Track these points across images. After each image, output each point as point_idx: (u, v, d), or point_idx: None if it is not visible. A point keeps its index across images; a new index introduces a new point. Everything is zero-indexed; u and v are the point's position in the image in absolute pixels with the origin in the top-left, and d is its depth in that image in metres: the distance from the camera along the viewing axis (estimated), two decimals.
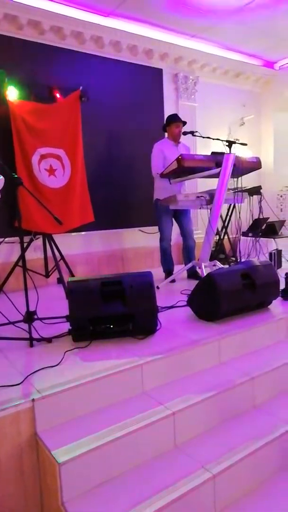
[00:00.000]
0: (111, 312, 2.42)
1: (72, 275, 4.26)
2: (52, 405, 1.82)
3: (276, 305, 3.07)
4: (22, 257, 2.66)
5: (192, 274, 4.19)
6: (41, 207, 3.86)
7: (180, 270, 4.05)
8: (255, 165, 3.77)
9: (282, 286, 3.25)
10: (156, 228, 4.55)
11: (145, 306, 2.43)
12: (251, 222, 5.11)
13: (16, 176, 2.61)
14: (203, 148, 5.23)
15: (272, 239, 4.98)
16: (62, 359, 2.16)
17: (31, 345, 2.42)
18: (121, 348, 2.31)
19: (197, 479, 1.67)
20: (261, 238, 5.13)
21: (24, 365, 2.14)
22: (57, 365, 2.11)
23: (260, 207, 4.75)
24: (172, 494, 1.58)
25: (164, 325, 2.69)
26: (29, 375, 1.98)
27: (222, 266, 3.74)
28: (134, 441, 1.76)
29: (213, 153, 3.72)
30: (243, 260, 4.97)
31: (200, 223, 5.18)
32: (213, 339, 2.40)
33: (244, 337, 2.55)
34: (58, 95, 4.16)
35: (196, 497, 1.63)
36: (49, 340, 2.48)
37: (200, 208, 3.73)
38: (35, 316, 2.63)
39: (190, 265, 3.97)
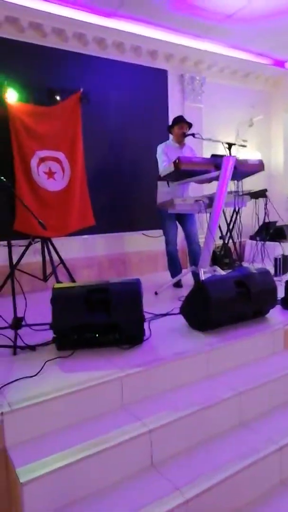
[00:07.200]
0: (96, 320, 2.34)
1: (72, 280, 4.22)
2: (24, 419, 1.76)
3: (275, 314, 2.94)
4: (10, 262, 2.64)
5: (197, 280, 4.08)
6: (40, 210, 3.92)
7: (177, 277, 3.95)
8: (257, 167, 3.63)
9: (282, 294, 3.12)
10: (159, 232, 4.46)
11: (131, 315, 2.35)
12: (257, 226, 4.96)
13: (3, 179, 2.59)
14: (209, 150, 5.10)
15: (279, 243, 4.82)
16: (41, 370, 2.10)
17: (15, 353, 2.37)
18: (104, 359, 2.23)
19: (171, 503, 1.58)
20: (268, 242, 4.98)
21: (2, 374, 2.08)
22: (35, 375, 2.05)
23: (266, 211, 4.59)
24: None
25: (154, 334, 2.60)
26: (3, 386, 1.92)
27: (222, 272, 3.61)
28: (105, 460, 1.68)
29: (213, 155, 3.60)
30: (246, 264, 4.84)
31: (205, 227, 5.09)
32: (201, 351, 2.30)
33: (235, 348, 2.43)
34: (58, 98, 4.12)
35: None
36: (33, 348, 2.42)
37: (199, 213, 3.62)
38: (23, 323, 2.59)
39: (188, 271, 3.86)
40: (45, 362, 2.17)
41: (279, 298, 2.99)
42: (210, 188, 4.42)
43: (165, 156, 3.97)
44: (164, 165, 3.91)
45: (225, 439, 1.97)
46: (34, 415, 1.79)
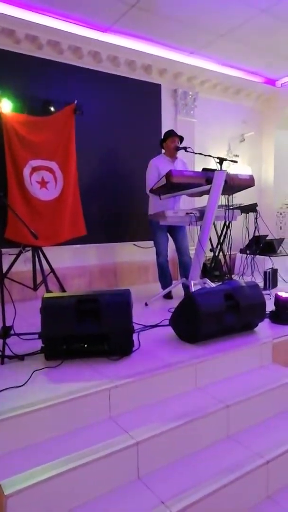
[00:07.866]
0: (86, 330, 2.34)
1: (63, 289, 4.21)
2: (10, 429, 1.74)
3: (263, 328, 2.97)
4: (0, 270, 2.64)
5: (187, 291, 4.10)
6: (32, 219, 3.92)
7: (168, 288, 3.97)
8: (248, 182, 3.69)
9: (271, 308, 3.15)
10: (150, 243, 4.49)
11: (120, 326, 2.35)
12: (247, 239, 5.02)
13: None
14: (201, 164, 5.17)
15: (268, 257, 4.87)
16: (28, 379, 2.08)
17: (2, 363, 2.35)
18: (92, 369, 2.22)
19: None
20: (258, 256, 5.03)
21: None
22: (22, 385, 2.03)
23: (256, 225, 4.66)
24: None
25: (143, 345, 2.60)
26: None
27: (212, 284, 3.64)
28: (91, 472, 1.67)
29: (204, 169, 3.66)
30: (236, 277, 4.88)
31: (196, 239, 5.12)
32: (190, 363, 2.30)
33: (224, 361, 2.44)
34: (52, 109, 4.17)
35: None
36: (21, 357, 2.41)
37: (189, 225, 3.65)
38: (12, 332, 2.57)
39: (178, 283, 3.88)
40: (33, 372, 2.16)
41: (267, 312, 3.02)
42: (201, 202, 4.47)
43: (155, 171, 3.99)
44: (151, 183, 3.90)
45: (212, 452, 1.97)
46: (21, 425, 1.77)
